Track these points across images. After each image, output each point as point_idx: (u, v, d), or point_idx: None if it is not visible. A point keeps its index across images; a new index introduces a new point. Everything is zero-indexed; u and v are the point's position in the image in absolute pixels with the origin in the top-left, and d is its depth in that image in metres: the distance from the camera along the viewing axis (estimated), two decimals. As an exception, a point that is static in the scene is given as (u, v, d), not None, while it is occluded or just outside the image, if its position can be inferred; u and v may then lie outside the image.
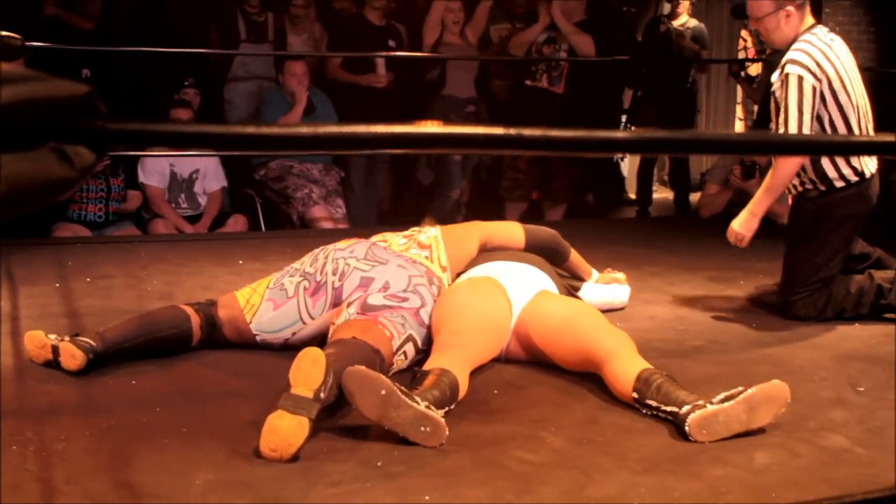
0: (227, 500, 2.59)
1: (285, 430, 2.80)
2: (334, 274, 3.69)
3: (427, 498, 2.63)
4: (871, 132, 4.37)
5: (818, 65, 4.27)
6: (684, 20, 8.57)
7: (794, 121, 4.22)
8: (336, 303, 3.65)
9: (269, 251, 5.57)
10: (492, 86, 7.99)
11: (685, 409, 3.09)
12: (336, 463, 2.82)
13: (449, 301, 3.68)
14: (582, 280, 4.47)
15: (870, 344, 4.13)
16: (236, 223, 6.78)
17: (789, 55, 4.31)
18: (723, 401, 3.08)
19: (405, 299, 3.61)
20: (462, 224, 4.39)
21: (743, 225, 4.45)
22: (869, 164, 4.37)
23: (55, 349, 3.49)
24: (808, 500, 1.55)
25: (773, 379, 3.17)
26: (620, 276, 4.65)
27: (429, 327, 3.66)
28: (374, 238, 4.00)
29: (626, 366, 3.34)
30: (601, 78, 7.80)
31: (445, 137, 1.12)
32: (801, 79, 4.23)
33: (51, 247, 5.72)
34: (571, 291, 4.20)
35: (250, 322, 3.72)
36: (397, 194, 8.26)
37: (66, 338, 3.53)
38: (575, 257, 4.43)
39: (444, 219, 7.25)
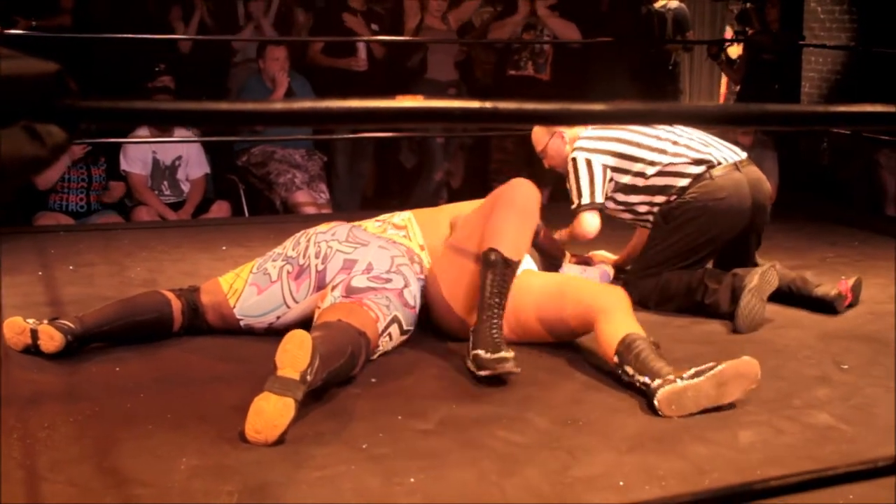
0: (213, 485, 2.58)
1: (271, 411, 2.80)
2: (317, 257, 3.68)
3: (412, 480, 2.63)
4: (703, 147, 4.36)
5: (599, 139, 4.42)
6: (665, 1, 8.56)
7: (586, 191, 4.34)
8: (320, 286, 3.64)
9: (253, 237, 5.55)
10: (475, 71, 7.97)
11: (656, 382, 3.12)
12: (321, 446, 2.82)
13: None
14: (555, 258, 4.47)
15: (854, 322, 4.14)
16: (219, 209, 6.76)
17: (573, 152, 4.45)
18: (693, 376, 3.10)
19: (388, 280, 3.60)
20: (433, 207, 4.37)
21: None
22: (712, 156, 4.31)
23: (34, 333, 3.47)
24: (791, 473, 1.55)
25: (756, 357, 3.19)
26: (606, 262, 4.66)
27: (413, 307, 3.66)
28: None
29: (615, 326, 3.37)
30: (588, 63, 7.78)
31: (421, 112, 1.12)
32: (588, 162, 4.36)
33: (33, 235, 5.69)
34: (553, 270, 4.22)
35: (234, 307, 3.71)
36: (380, 178, 8.24)
37: (45, 321, 3.52)
38: (547, 235, 4.43)
39: (427, 201, 7.27)
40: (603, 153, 4.36)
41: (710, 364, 3.12)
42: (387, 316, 3.51)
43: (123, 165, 6.57)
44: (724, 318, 4.09)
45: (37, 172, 1.04)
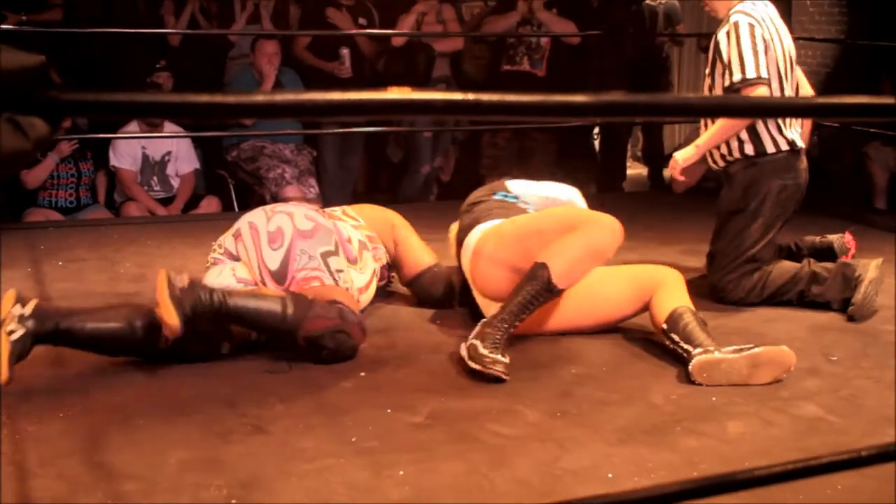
0: (202, 479, 2.59)
1: None
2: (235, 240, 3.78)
3: (402, 472, 2.64)
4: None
5: (764, 21, 4.20)
6: (657, -6, 8.57)
7: (751, 63, 4.07)
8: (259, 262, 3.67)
9: (243, 232, 5.54)
10: (465, 66, 7.95)
11: (696, 350, 3.32)
12: (310, 439, 2.83)
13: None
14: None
15: (843, 315, 4.14)
16: (209, 205, 6.75)
17: (735, 13, 4.20)
18: (731, 352, 3.31)
19: (276, 235, 3.65)
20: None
21: (683, 155, 4.36)
22: (796, 138, 4.26)
23: None
24: (776, 463, 1.56)
25: None
26: None
27: (312, 224, 3.69)
28: None
29: (670, 298, 3.59)
30: (584, 59, 7.77)
31: (404, 104, 1.12)
32: (752, 27, 4.12)
33: (22, 231, 5.68)
34: None
35: None
36: (369, 173, 8.23)
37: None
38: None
39: (415, 195, 7.26)
40: (764, 28, 4.18)
41: (750, 345, 3.34)
42: (325, 269, 3.59)
43: (113, 161, 6.56)
44: (829, 309, 4.16)
45: (20, 165, 1.04)
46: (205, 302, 3.22)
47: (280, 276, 3.58)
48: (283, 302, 3.33)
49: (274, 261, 3.60)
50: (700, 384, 3.27)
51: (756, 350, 3.32)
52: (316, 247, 3.62)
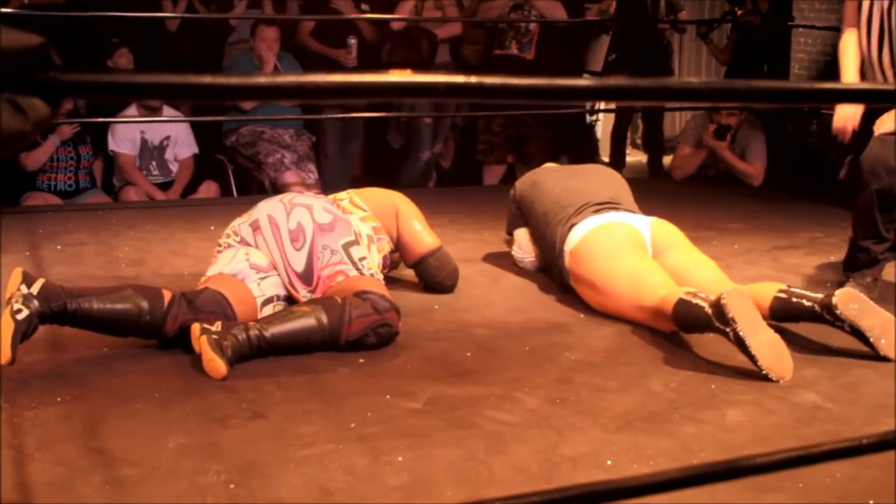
0: (200, 464, 2.58)
1: None
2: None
3: (400, 458, 2.63)
4: None
5: None
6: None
7: None
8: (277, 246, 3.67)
9: (242, 217, 5.53)
10: (463, 50, 7.95)
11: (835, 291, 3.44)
12: (309, 424, 2.82)
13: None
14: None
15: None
16: (208, 190, 6.74)
17: None
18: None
19: (300, 230, 3.63)
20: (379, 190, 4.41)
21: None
22: None
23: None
24: (777, 450, 1.56)
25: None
26: None
27: (331, 216, 3.70)
28: None
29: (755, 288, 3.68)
30: (572, 42, 7.76)
31: (406, 86, 1.11)
32: None
33: (21, 215, 5.67)
34: None
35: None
36: (368, 159, 8.22)
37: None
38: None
39: (415, 181, 7.25)
40: None
41: None
42: (343, 262, 3.60)
43: (111, 145, 6.55)
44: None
45: (20, 146, 1.03)
46: (242, 342, 3.23)
47: (306, 276, 3.59)
48: (316, 314, 3.36)
49: (299, 262, 3.60)
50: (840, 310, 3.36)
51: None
52: (337, 239, 3.63)
